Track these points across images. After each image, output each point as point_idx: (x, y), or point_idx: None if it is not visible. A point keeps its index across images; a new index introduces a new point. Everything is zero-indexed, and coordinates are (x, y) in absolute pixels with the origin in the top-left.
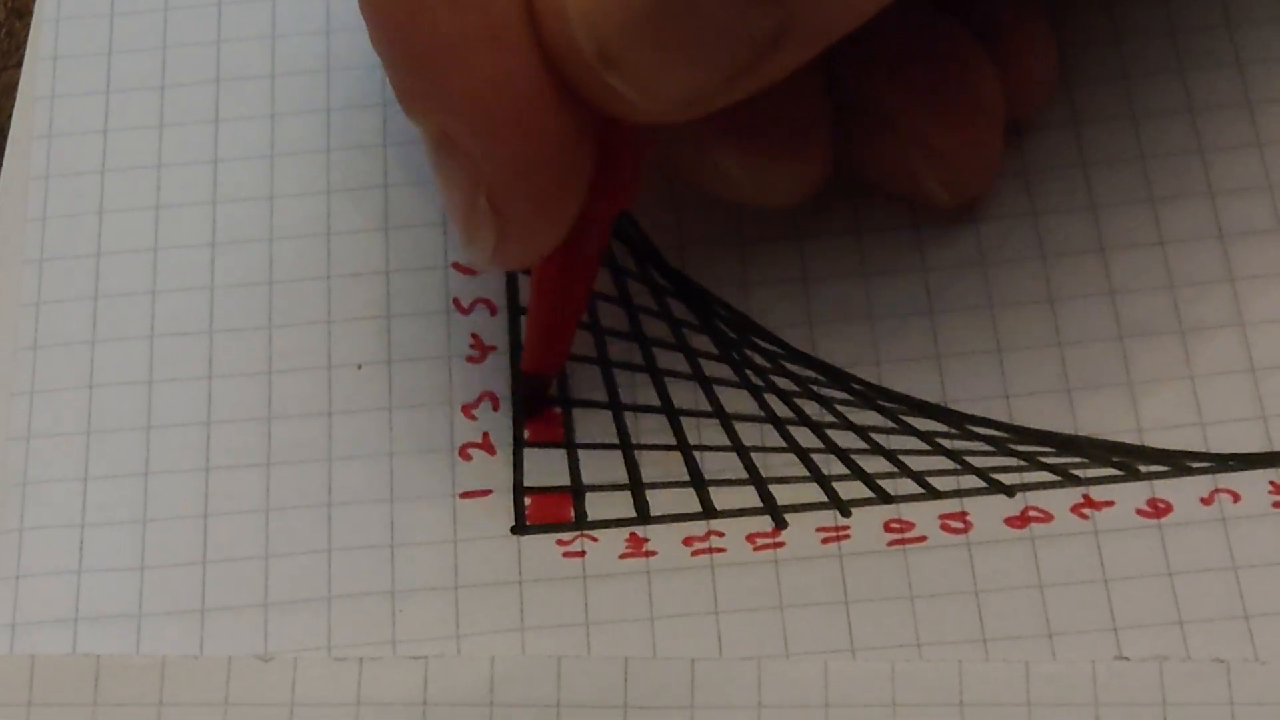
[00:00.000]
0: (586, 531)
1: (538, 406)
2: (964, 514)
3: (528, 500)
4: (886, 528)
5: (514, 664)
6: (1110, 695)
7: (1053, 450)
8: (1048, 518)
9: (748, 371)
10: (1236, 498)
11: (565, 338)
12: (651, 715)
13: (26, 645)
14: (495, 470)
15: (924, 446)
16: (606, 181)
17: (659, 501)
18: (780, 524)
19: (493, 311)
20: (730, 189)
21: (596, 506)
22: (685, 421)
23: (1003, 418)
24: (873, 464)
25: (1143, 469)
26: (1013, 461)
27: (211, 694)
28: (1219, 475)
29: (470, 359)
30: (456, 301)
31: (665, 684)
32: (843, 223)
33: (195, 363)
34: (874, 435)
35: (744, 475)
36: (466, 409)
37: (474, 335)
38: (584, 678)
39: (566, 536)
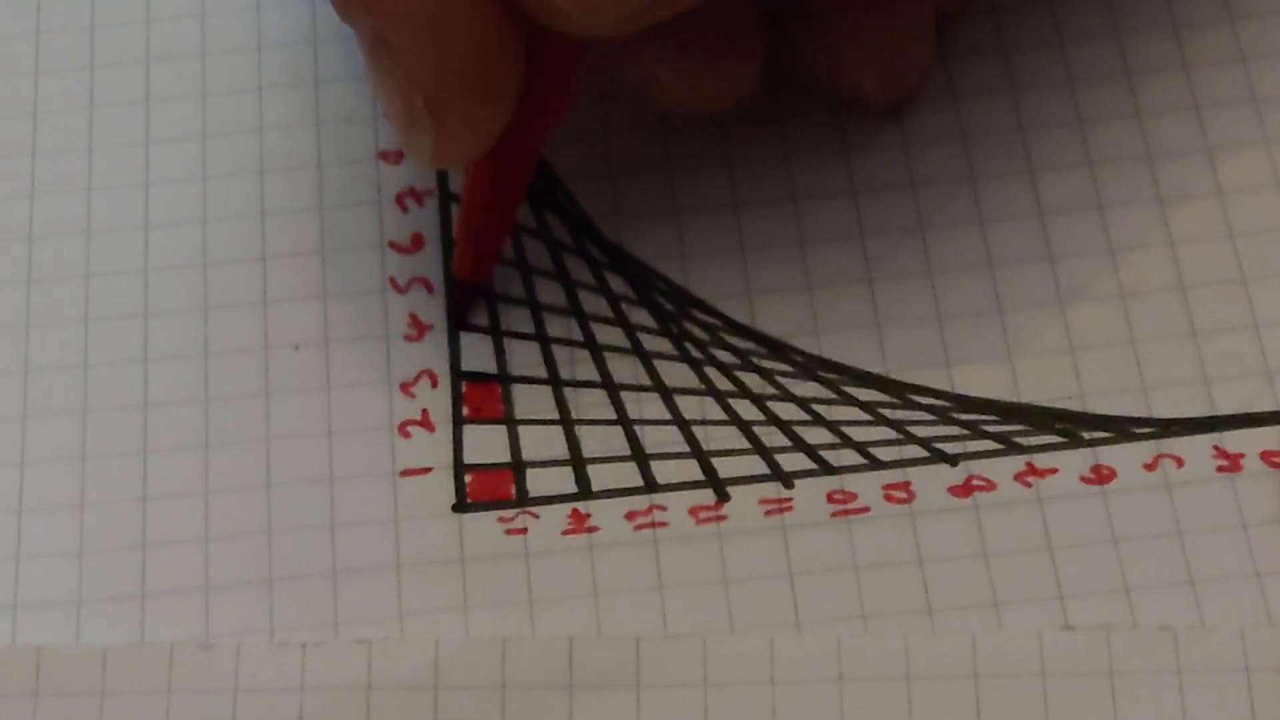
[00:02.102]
0: (528, 508)
1: (468, 314)
2: (907, 484)
3: (468, 477)
4: (829, 499)
5: (458, 646)
6: (1057, 665)
7: (995, 418)
8: (991, 486)
9: (687, 345)
10: (1180, 463)
11: (495, 247)
12: (597, 695)
13: None
14: (435, 447)
15: (866, 417)
16: (541, 94)
17: (601, 476)
18: (723, 497)
19: (429, 290)
20: (662, 94)
21: (538, 483)
22: (625, 396)
23: (944, 386)
24: (815, 435)
25: (1085, 435)
26: (955, 430)
27: (154, 682)
28: (1162, 440)
29: (408, 337)
30: (393, 281)
31: (610, 663)
32: (779, 190)
33: (130, 345)
34: (815, 406)
35: (685, 449)
36: (405, 387)
37: (411, 314)
38: (529, 659)
39: (508, 514)
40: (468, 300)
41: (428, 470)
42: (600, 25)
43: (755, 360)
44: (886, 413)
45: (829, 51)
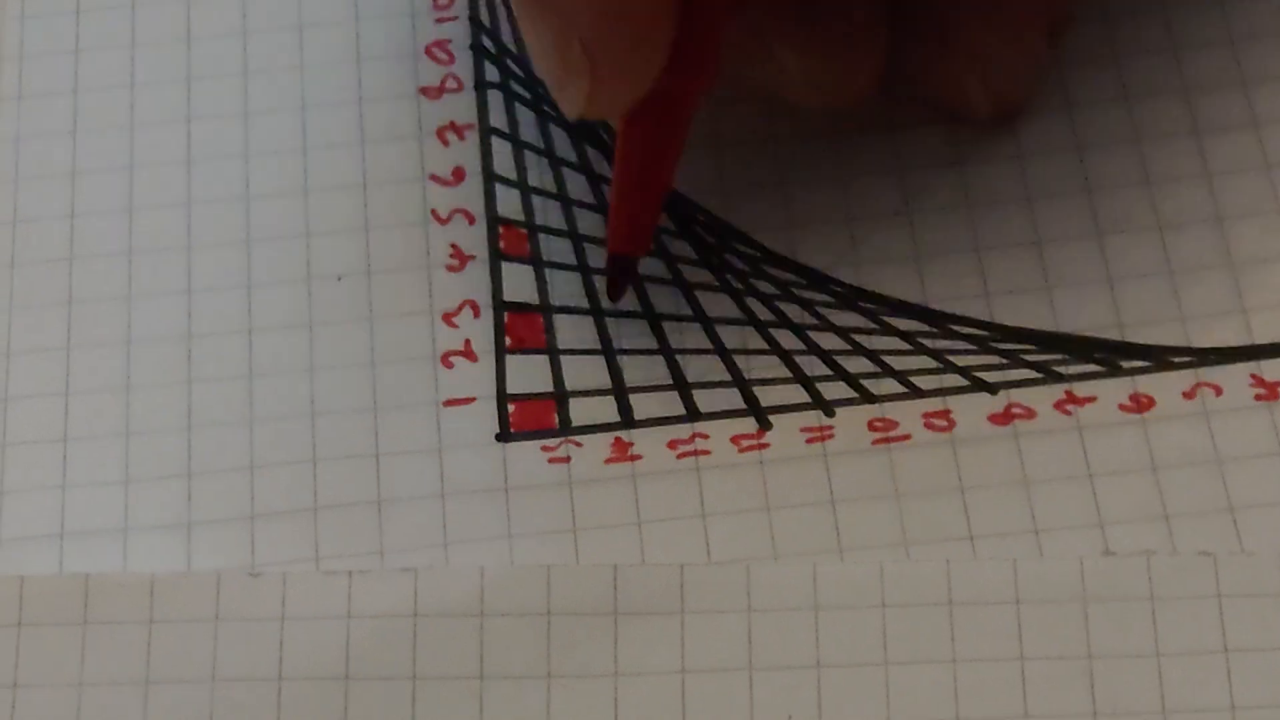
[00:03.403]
0: (571, 437)
1: (622, 287)
2: (947, 412)
3: (511, 407)
4: (870, 427)
5: (504, 573)
6: (1098, 590)
7: (1034, 348)
8: (1031, 414)
9: (728, 276)
10: (1219, 391)
11: (651, 217)
12: (642, 621)
13: (12, 563)
14: (478, 377)
15: (906, 346)
16: (689, 58)
17: (643, 406)
18: (764, 425)
19: (471, 221)
20: (786, 85)
21: (580, 412)
22: (667, 326)
23: (983, 316)
24: (855, 364)
25: (1124, 364)
26: (995, 359)
27: (201, 610)
28: (1200, 369)
29: (450, 268)
30: (435, 213)
31: (654, 590)
32: (819, 126)
33: (174, 277)
34: (856, 336)
35: (727, 378)
36: (448, 317)
37: (453, 245)
38: (573, 585)
39: (551, 443)
40: (624, 274)
41: (471, 400)
42: None
43: (795, 291)
44: (926, 342)
45: (937, 60)
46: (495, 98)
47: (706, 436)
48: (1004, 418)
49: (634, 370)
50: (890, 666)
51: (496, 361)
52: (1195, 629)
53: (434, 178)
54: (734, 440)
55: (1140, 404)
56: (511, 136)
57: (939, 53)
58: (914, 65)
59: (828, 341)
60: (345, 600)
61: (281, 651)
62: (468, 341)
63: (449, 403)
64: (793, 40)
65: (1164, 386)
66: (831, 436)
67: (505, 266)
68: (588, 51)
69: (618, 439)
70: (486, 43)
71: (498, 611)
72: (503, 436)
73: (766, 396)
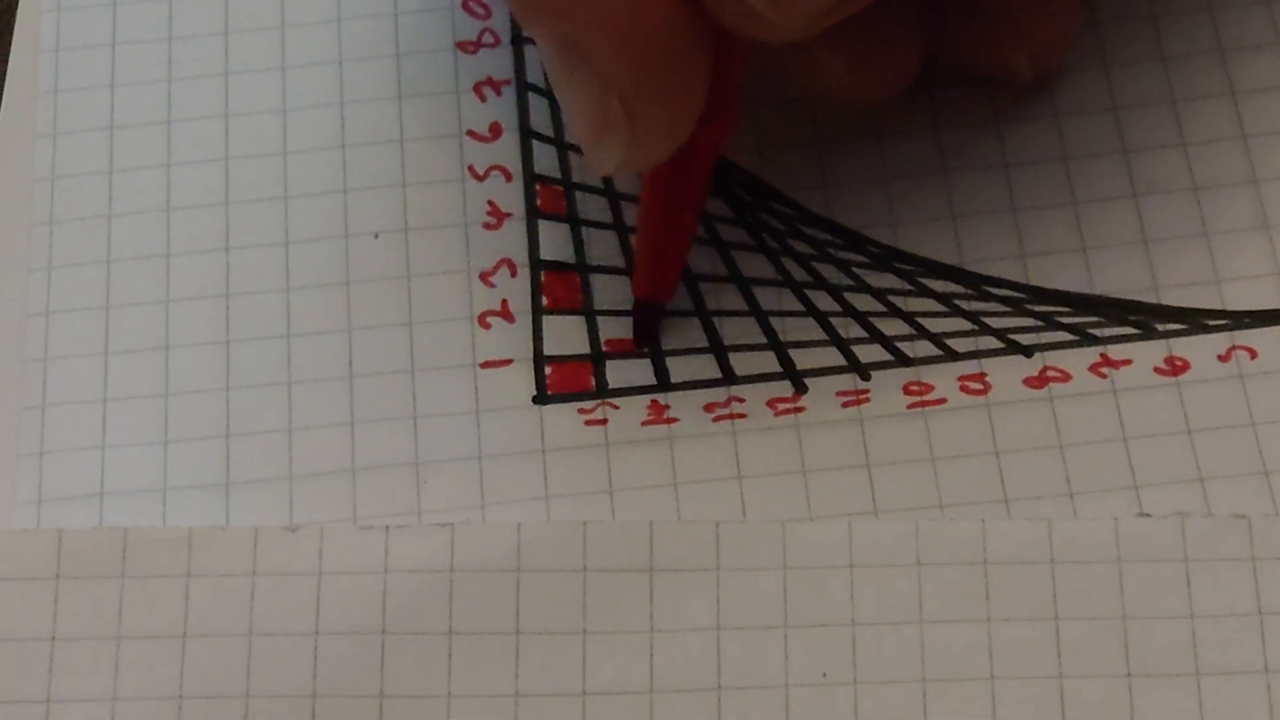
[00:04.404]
0: (608, 400)
1: (648, 332)
2: (983, 375)
3: (548, 369)
4: (906, 390)
5: (540, 530)
6: (1133, 551)
7: (1069, 310)
8: (1066, 377)
9: (764, 235)
10: (1254, 354)
11: (676, 264)
12: (678, 577)
13: (53, 520)
14: (515, 338)
15: (941, 308)
16: (712, 107)
17: (679, 369)
18: (800, 389)
19: (508, 178)
20: (831, 87)
21: (617, 374)
22: (703, 287)
23: (1019, 278)
24: (891, 327)
25: (1159, 327)
26: (1030, 322)
27: (239, 564)
28: (1235, 332)
29: (487, 225)
30: (471, 169)
31: (690, 547)
32: None
33: (212, 235)
34: (892, 298)
35: (763, 340)
36: (485, 276)
37: (490, 202)
38: (610, 542)
39: (588, 405)
40: (648, 319)
41: (508, 362)
42: (789, 25)
43: (832, 251)
44: (962, 304)
45: (979, 33)
46: (533, 53)
47: (742, 400)
48: (1039, 381)
49: (670, 332)
50: (925, 625)
51: (534, 322)
52: (1229, 591)
53: (471, 134)
54: (770, 404)
55: (1175, 367)
56: (549, 93)
57: (979, 24)
58: (952, 37)
59: (863, 303)
60: (382, 555)
61: (318, 606)
62: (505, 301)
63: (486, 364)
64: (832, 44)
65: (1199, 349)
66: (867, 400)
67: (542, 225)
68: (627, 109)
69: (654, 401)
70: None
71: (534, 567)
72: (540, 399)
73: (802, 359)
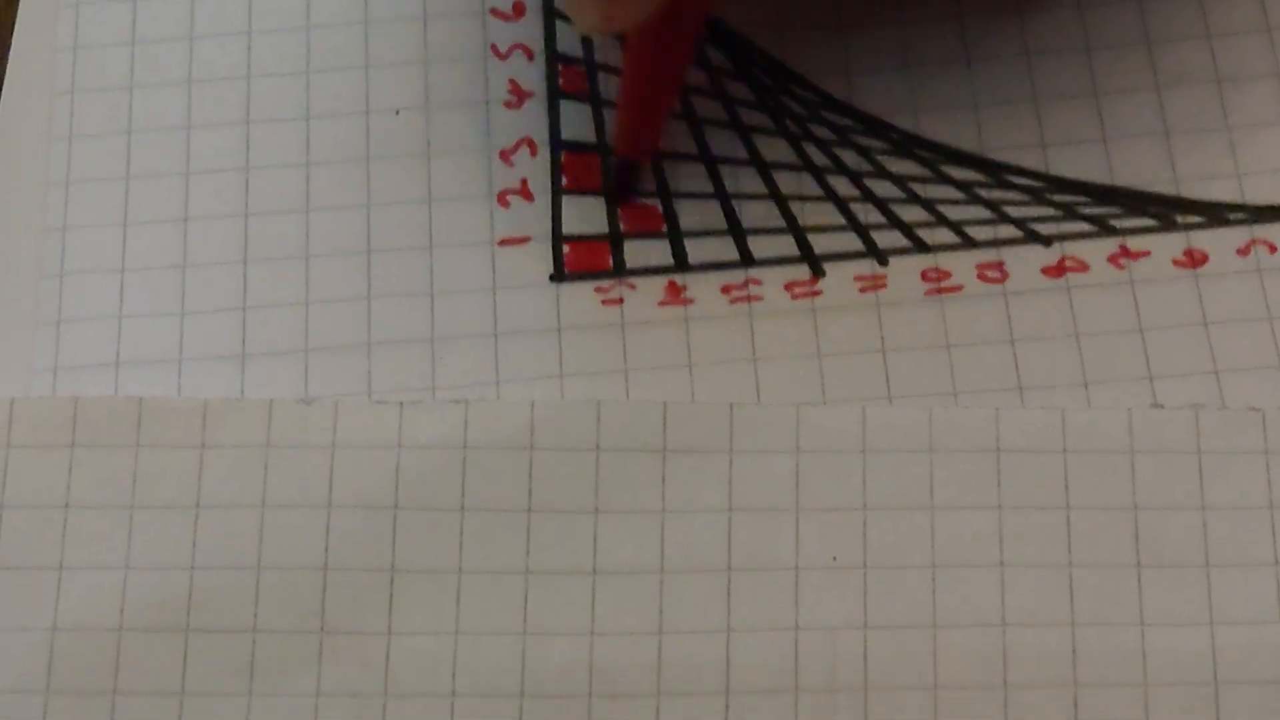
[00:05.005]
0: (625, 279)
1: (627, 193)
2: (1000, 263)
3: (566, 248)
4: (924, 277)
5: (554, 408)
6: (1146, 443)
7: (1089, 200)
8: (1084, 268)
9: (785, 120)
10: (1273, 248)
11: (656, 127)
12: (690, 459)
13: (69, 388)
14: (534, 217)
15: (961, 196)
16: None
17: (697, 250)
18: (818, 272)
19: (530, 57)
20: None
21: (635, 255)
22: (723, 169)
23: (1039, 167)
24: (910, 213)
25: (1179, 219)
26: (1050, 211)
27: (253, 436)
28: (1255, 226)
29: (508, 104)
30: (494, 47)
31: (704, 428)
32: None
33: (233, 108)
34: (912, 184)
35: (782, 224)
36: (505, 155)
37: (511, 81)
38: (623, 421)
39: (605, 284)
40: (628, 176)
41: (526, 240)
42: None
43: (853, 137)
44: (982, 192)
45: None
46: None
47: (760, 283)
48: (1057, 270)
49: (689, 214)
50: (936, 511)
51: (553, 201)
52: (1241, 484)
53: (494, 12)
54: (787, 287)
55: (1194, 259)
56: None
57: None
58: None
59: (883, 189)
60: (396, 430)
61: (331, 479)
62: (524, 180)
63: (504, 242)
64: None
65: (1218, 242)
66: (885, 286)
67: (563, 105)
68: None
69: (671, 282)
70: None
71: (547, 445)
72: (557, 277)
73: (820, 244)
